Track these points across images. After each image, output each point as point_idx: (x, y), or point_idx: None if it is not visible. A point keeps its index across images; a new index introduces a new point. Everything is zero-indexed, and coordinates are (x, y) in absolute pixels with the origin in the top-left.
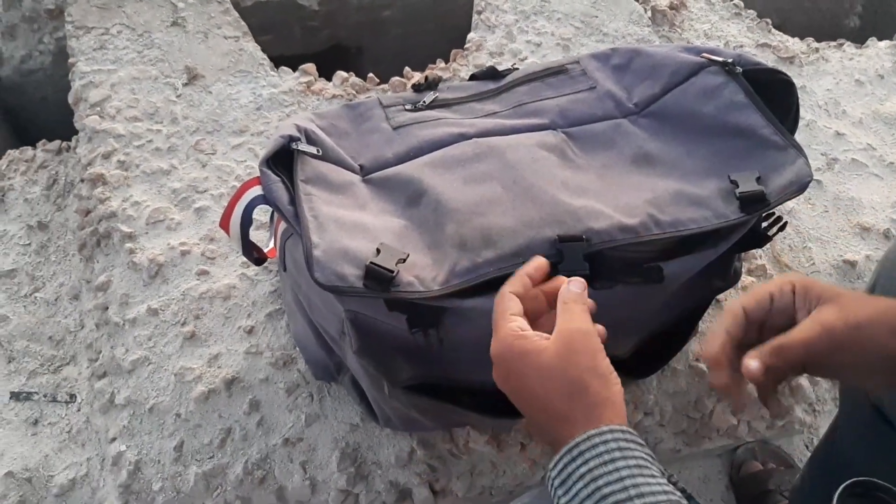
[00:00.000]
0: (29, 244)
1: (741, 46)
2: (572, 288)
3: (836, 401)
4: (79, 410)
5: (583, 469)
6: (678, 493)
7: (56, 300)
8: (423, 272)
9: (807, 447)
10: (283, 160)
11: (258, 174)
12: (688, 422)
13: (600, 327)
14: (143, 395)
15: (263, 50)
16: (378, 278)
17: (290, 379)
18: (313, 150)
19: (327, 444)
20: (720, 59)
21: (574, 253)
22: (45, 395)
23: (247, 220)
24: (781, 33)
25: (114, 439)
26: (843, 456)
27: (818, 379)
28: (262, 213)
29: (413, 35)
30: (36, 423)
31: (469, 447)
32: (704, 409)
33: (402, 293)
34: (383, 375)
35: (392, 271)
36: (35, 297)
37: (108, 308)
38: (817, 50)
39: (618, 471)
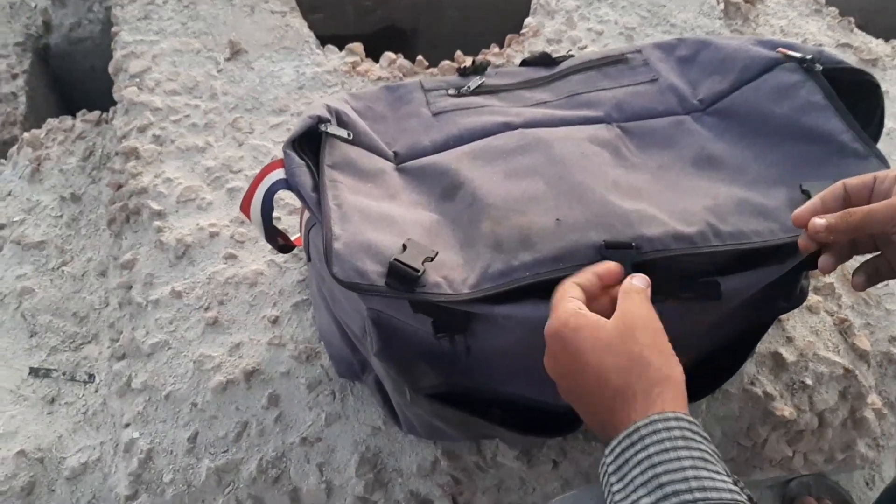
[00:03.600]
0: (61, 216)
1: (820, 45)
2: (635, 282)
3: None
4: (96, 391)
5: (641, 455)
6: (744, 496)
7: (83, 275)
8: (452, 273)
9: (867, 485)
10: (311, 143)
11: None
12: (738, 449)
13: None
14: (160, 380)
15: (314, 29)
16: (402, 277)
17: (313, 374)
18: (343, 133)
19: (347, 447)
20: (798, 54)
21: (622, 262)
22: (63, 374)
23: (268, 205)
24: (864, 34)
25: (128, 425)
26: None
27: (885, 413)
28: (294, 198)
29: (471, 18)
30: (52, 401)
31: (497, 461)
32: (757, 438)
33: (427, 295)
34: (405, 381)
35: (417, 270)
36: (62, 271)
37: (131, 287)
38: None
39: (679, 460)
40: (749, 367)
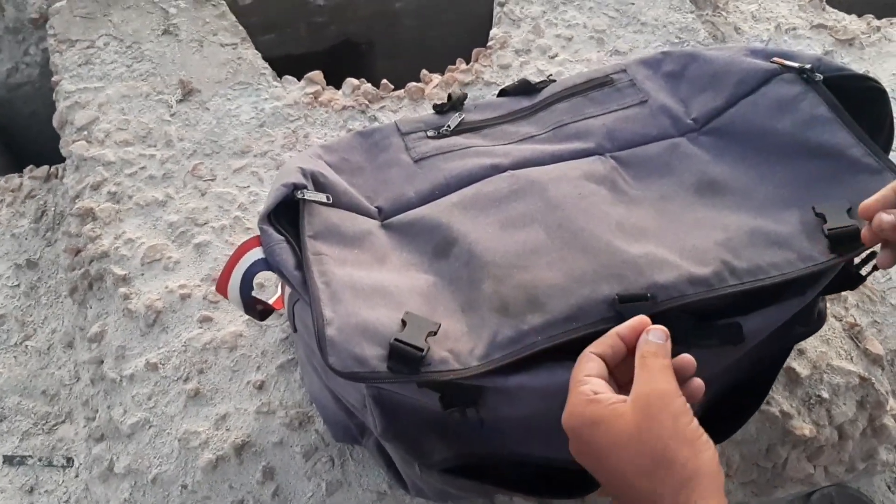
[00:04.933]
0: (18, 285)
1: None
2: (652, 339)
3: None
4: (77, 476)
5: None
6: None
7: (48, 349)
8: (457, 344)
9: (889, 488)
10: (286, 211)
11: (262, 205)
12: (758, 471)
13: (698, 381)
14: (144, 463)
15: (266, 50)
16: (405, 358)
17: (308, 441)
18: (322, 197)
19: None
20: (796, 64)
21: (637, 315)
22: (40, 459)
23: (247, 287)
24: (836, 11)
25: None
26: None
27: None
28: None
29: (429, 27)
30: (31, 490)
31: None
32: (777, 459)
33: (434, 374)
34: (414, 458)
35: (421, 349)
36: (26, 346)
37: (103, 362)
38: (878, 28)
39: None
40: None
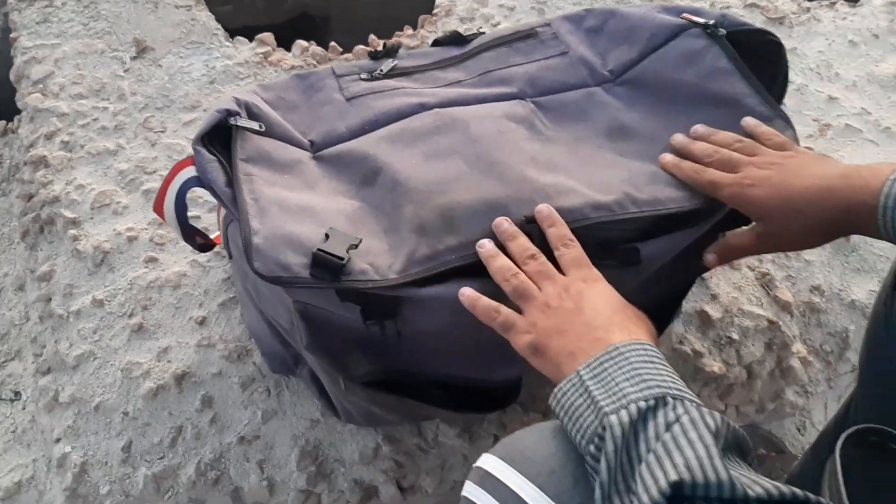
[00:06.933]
0: None
1: (728, 8)
2: None
3: (829, 382)
4: (24, 409)
5: (623, 362)
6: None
7: (0, 291)
8: (377, 259)
9: (799, 430)
10: (222, 138)
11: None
12: None
13: None
14: (88, 392)
15: (223, 22)
16: (326, 266)
17: (245, 373)
18: (255, 125)
19: (286, 442)
20: (702, 20)
21: (541, 234)
22: None
23: (181, 204)
24: None
25: (58, 440)
26: None
27: (811, 360)
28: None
29: (386, 3)
30: None
31: (438, 441)
32: None
33: (353, 282)
34: (338, 371)
35: (342, 258)
36: None
37: (51, 299)
38: (808, 10)
39: (658, 368)
40: (677, 327)
